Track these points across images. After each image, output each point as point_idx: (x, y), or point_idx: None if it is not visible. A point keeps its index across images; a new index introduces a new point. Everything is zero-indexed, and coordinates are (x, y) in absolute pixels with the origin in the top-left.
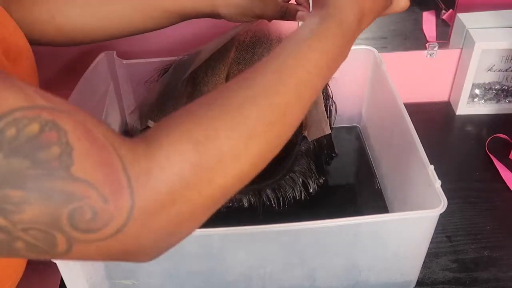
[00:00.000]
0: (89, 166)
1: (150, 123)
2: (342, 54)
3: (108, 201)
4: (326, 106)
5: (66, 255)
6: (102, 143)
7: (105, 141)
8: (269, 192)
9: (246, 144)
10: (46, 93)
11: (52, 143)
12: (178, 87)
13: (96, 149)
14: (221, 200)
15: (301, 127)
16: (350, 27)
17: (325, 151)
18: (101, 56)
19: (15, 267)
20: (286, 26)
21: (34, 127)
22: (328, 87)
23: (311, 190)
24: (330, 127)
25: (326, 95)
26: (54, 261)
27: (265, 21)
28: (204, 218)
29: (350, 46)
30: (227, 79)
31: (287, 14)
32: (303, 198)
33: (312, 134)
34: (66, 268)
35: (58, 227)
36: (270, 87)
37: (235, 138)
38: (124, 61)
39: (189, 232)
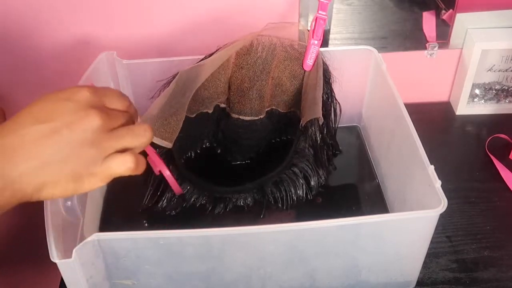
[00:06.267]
0: None
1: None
2: None
3: None
4: (329, 106)
5: None
6: None
7: None
8: (272, 187)
9: None
10: None
11: None
12: (180, 99)
13: None
14: None
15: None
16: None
17: (328, 148)
18: (101, 56)
19: None
20: (287, 30)
21: None
22: (331, 87)
23: (312, 184)
24: (333, 125)
25: (329, 95)
26: (54, 261)
27: (265, 26)
28: None
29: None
30: (229, 83)
31: None
32: (304, 195)
33: (306, 118)
34: (66, 268)
35: None
36: None
37: None
38: (124, 61)
39: None
